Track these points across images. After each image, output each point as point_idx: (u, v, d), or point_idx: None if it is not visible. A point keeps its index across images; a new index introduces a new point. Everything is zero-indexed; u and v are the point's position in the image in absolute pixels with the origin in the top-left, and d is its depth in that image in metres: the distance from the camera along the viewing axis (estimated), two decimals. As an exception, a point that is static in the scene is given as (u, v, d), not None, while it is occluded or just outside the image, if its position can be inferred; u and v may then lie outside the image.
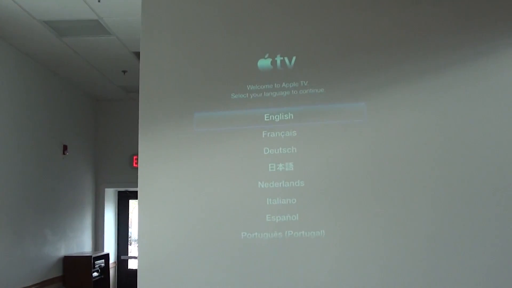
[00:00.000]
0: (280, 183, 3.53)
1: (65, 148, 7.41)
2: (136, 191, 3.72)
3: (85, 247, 8.16)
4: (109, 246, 8.74)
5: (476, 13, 3.56)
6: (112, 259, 8.65)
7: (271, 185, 3.53)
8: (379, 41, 3.61)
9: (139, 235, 3.66)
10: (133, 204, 9.15)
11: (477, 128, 3.42)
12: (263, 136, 3.59)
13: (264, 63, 3.69)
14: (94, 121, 8.66)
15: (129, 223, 9.23)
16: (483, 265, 3.29)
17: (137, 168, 3.74)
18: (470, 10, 3.57)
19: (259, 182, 3.55)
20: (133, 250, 9.08)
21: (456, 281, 3.30)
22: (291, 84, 3.63)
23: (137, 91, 3.83)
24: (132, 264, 8.90)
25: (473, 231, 3.32)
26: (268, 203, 3.52)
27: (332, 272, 3.41)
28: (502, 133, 3.39)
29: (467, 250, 3.31)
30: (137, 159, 3.80)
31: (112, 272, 8.59)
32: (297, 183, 3.51)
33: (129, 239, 9.17)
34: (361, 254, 3.40)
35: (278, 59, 3.68)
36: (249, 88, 3.66)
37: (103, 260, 8.06)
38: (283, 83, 3.64)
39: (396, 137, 3.47)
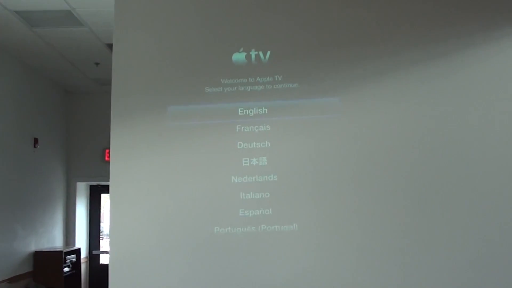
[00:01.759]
0: (254, 178, 3.53)
1: (36, 141, 7.30)
2: (108, 185, 3.68)
3: (56, 242, 8.06)
4: (81, 241, 8.65)
5: (449, 8, 3.60)
6: (83, 254, 8.56)
7: (245, 179, 3.53)
8: (353, 36, 3.63)
9: (110, 230, 3.63)
10: (105, 199, 9.06)
11: (451, 122, 3.48)
12: (237, 130, 3.58)
13: (238, 57, 3.67)
14: (66, 114, 8.54)
15: (101, 217, 9.14)
16: (456, 259, 3.35)
17: (109, 162, 3.70)
18: (442, 5, 3.61)
19: (233, 177, 3.54)
20: (105, 245, 9.00)
21: (428, 273, 3.35)
22: (266, 79, 3.62)
23: (110, 84, 3.77)
24: (104, 259, 8.81)
25: (447, 226, 3.38)
26: (241, 198, 3.51)
27: (305, 266, 3.42)
28: (476, 126, 3.46)
29: (441, 244, 3.37)
30: (109, 152, 3.74)
31: (83, 267, 8.51)
32: (270, 178, 3.51)
33: (101, 233, 9.09)
34: (334, 248, 3.43)
35: (253, 53, 3.67)
36: (223, 82, 3.64)
37: (75, 255, 7.97)
38: (258, 77, 3.63)
39: (369, 131, 3.50)
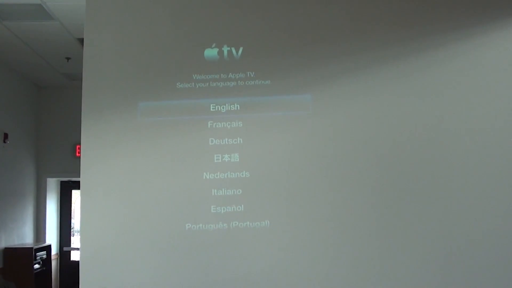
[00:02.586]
0: (226, 174, 3.52)
1: (5, 136, 7.19)
2: (79, 181, 3.64)
3: (26, 239, 7.96)
4: (51, 238, 8.56)
5: (422, 7, 3.64)
6: (54, 251, 8.48)
7: (217, 176, 3.52)
8: (325, 34, 3.65)
9: (81, 226, 3.59)
10: (76, 194, 8.98)
11: (424, 118, 3.53)
12: (209, 127, 3.57)
13: (210, 52, 3.66)
14: (36, 109, 8.43)
15: (72, 213, 9.05)
16: (429, 255, 3.41)
17: (80, 157, 3.66)
18: (415, 4, 3.65)
19: (205, 173, 3.53)
20: (75, 241, 8.92)
21: (398, 268, 3.40)
22: (238, 75, 3.62)
23: (81, 79, 3.73)
24: (75, 256, 8.73)
25: (420, 223, 3.43)
26: (213, 194, 3.51)
27: (276, 262, 3.43)
28: (445, 125, 3.51)
29: (412, 240, 3.42)
30: (80, 148, 3.71)
31: (54, 264, 8.43)
32: (242, 174, 3.52)
33: (71, 230, 9.00)
34: (305, 244, 3.44)
35: (225, 49, 3.66)
36: (195, 78, 3.63)
37: (45, 251, 7.88)
38: (230, 73, 3.63)
39: (340, 129, 3.53)
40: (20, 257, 7.24)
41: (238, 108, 3.59)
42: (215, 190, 3.52)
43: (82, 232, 3.58)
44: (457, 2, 3.66)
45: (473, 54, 3.59)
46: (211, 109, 3.59)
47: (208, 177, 3.53)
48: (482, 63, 3.57)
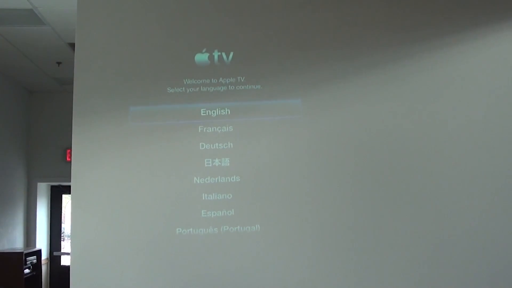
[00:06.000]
0: (216, 179, 3.53)
1: (-5, 141, 7.17)
2: (70, 186, 3.64)
3: (16, 243, 7.92)
4: (42, 242, 8.52)
5: (409, 13, 3.68)
6: (44, 256, 8.43)
7: (207, 180, 3.53)
8: (316, 39, 3.67)
9: (71, 231, 3.58)
10: (66, 199, 8.95)
11: (412, 124, 3.56)
12: (199, 131, 3.59)
13: (201, 57, 3.68)
14: (27, 113, 8.40)
15: (62, 218, 9.02)
16: (412, 257, 3.42)
17: (70, 162, 3.66)
18: (403, 10, 3.68)
19: (195, 178, 3.54)
20: (66, 246, 8.88)
21: (380, 270, 3.43)
22: (228, 80, 3.64)
23: (72, 83, 3.74)
24: (65, 261, 8.70)
25: (406, 226, 3.46)
26: (203, 199, 3.52)
27: (267, 267, 3.44)
28: (436, 130, 3.55)
29: (396, 243, 3.44)
30: (70, 153, 3.70)
31: (44, 268, 8.38)
32: (233, 179, 3.53)
33: (62, 234, 8.97)
34: (296, 248, 3.45)
35: (216, 54, 3.68)
36: (186, 82, 3.64)
37: (35, 256, 7.84)
38: (220, 78, 3.64)
39: (331, 133, 3.55)
40: (10, 261, 7.19)
41: (229, 112, 3.60)
42: (206, 195, 3.52)
43: (72, 236, 3.57)
44: (450, 6, 3.70)
45: (465, 58, 3.62)
46: (202, 114, 3.60)
47: (198, 182, 3.53)
48: (474, 67, 3.61)
